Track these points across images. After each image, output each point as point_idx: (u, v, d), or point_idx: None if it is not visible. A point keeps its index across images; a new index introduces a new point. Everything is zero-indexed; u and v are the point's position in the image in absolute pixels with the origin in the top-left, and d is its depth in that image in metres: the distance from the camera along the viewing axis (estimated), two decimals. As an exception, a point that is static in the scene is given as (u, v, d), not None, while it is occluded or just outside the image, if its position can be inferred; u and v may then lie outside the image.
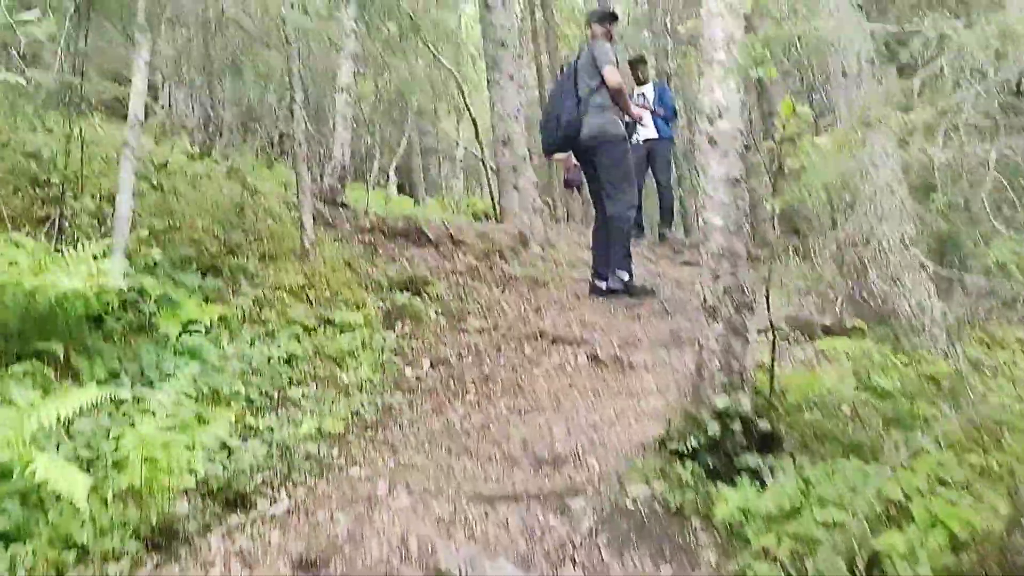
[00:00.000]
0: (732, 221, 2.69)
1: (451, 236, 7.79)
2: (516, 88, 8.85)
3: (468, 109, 8.31)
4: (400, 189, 23.49)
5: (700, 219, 2.80)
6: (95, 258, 3.91)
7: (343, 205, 9.62)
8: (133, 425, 2.95)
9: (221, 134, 9.97)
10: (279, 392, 3.96)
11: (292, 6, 5.43)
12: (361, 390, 4.21)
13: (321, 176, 10.27)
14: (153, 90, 13.83)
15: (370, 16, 7.10)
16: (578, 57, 6.23)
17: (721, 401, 2.68)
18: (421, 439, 3.66)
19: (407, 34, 7.47)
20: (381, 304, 5.35)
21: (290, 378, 4.13)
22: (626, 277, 6.13)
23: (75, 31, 4.19)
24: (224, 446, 3.26)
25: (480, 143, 8.51)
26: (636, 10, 19.02)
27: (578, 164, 6.67)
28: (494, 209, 8.55)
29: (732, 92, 2.68)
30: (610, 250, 6.17)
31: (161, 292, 4.36)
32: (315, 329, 4.72)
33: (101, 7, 4.25)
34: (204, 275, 5.02)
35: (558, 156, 6.80)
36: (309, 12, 5.55)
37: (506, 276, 6.77)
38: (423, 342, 4.95)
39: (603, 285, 6.15)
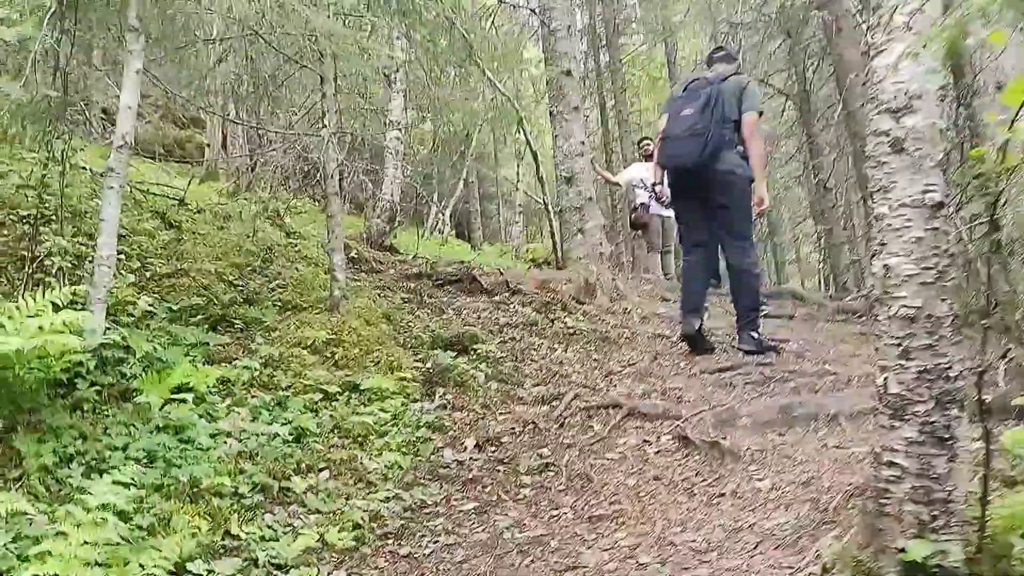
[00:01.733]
0: (931, 267, 1.74)
1: (507, 284, 6.92)
2: (581, 122, 8.02)
3: (529, 143, 7.46)
4: (458, 235, 22.89)
5: (871, 265, 1.83)
6: (59, 308, 3.12)
7: (390, 249, 8.86)
8: (38, 543, 2.08)
9: (258, 171, 9.33)
10: (279, 483, 3.07)
11: (328, 16, 4.68)
12: (386, 479, 3.30)
13: (367, 217, 9.55)
14: (199, 124, 13.46)
15: (422, 37, 6.33)
16: (704, 82, 5.33)
17: (917, 549, 1.70)
18: (458, 559, 2.72)
19: (461, 59, 6.68)
20: (420, 365, 4.47)
21: (296, 463, 3.24)
22: (756, 336, 5.24)
23: (56, 34, 3.47)
24: None
25: (541, 181, 7.63)
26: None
27: (666, 199, 5.79)
28: (556, 255, 7.65)
29: (928, 72, 1.75)
30: (738, 306, 5.38)
31: (148, 350, 3.55)
32: (336, 397, 3.85)
33: (87, 5, 3.52)
34: (211, 328, 4.22)
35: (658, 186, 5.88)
36: (346, 22, 4.81)
37: (570, 331, 5.84)
38: (468, 414, 4.03)
39: (695, 324, 5.35)
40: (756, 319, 5.30)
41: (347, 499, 3.07)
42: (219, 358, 3.92)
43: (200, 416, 3.35)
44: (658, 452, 3.66)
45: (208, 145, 11.23)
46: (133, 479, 2.55)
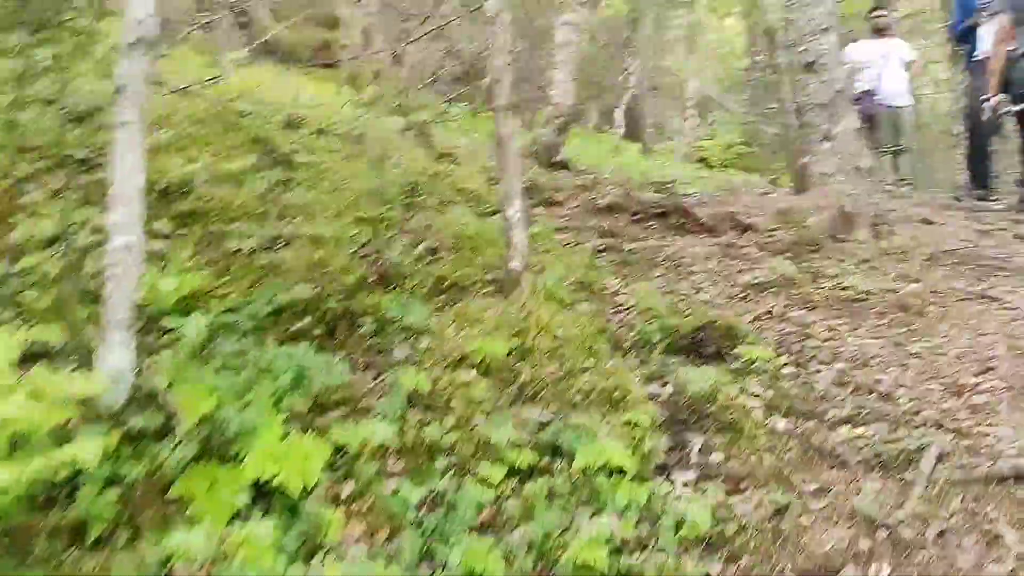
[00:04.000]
0: None
1: (734, 217, 5.03)
2: (827, -15, 5.83)
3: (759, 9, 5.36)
4: (627, 135, 20.77)
5: None
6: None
7: (564, 166, 7.11)
8: None
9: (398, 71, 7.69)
10: None
11: None
12: None
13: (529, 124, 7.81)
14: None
15: None
16: None
17: None
18: None
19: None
20: (654, 389, 2.75)
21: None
22: None
23: None
24: None
25: (775, 70, 5.55)
26: None
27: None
28: (795, 172, 5.64)
29: None
30: None
31: (208, 410, 2.01)
32: (531, 476, 2.21)
33: None
34: (325, 339, 2.65)
35: None
36: None
37: (848, 295, 3.94)
38: (755, 499, 2.30)
39: None
40: None
41: None
42: (333, 401, 2.35)
43: (287, 553, 1.80)
44: None
45: (345, 46, 9.68)
46: None
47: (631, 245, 4.56)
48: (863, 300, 3.90)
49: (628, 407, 2.54)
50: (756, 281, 4.07)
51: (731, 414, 2.60)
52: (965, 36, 7.27)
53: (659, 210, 5.17)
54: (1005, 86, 5.70)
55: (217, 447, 1.99)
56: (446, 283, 3.13)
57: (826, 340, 3.40)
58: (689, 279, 4.14)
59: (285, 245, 2.93)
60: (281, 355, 2.40)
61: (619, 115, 13.80)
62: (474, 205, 4.37)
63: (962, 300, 4.07)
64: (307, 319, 2.64)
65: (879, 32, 9.11)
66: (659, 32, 18.83)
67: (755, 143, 19.52)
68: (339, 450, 2.15)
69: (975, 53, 6.81)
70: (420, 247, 3.31)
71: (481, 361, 2.60)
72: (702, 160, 18.24)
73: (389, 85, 8.12)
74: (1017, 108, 4.79)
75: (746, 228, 4.94)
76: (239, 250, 2.79)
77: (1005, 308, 3.91)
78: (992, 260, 5.16)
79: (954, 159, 14.07)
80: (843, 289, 4.01)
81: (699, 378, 2.68)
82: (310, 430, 2.16)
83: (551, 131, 7.18)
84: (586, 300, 3.43)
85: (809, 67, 5.56)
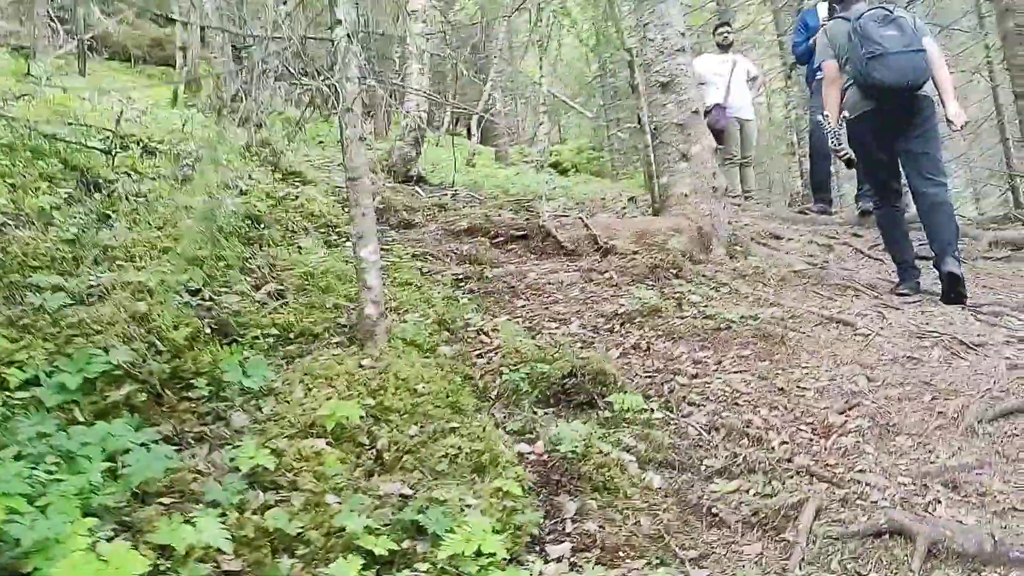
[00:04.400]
0: None
1: (595, 240, 4.94)
2: (679, 5, 5.86)
3: (617, 29, 5.25)
4: (481, 140, 20.62)
5: None
6: None
7: (419, 180, 6.85)
8: None
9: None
10: None
11: None
12: None
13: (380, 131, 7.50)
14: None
15: None
16: (883, 11, 4.91)
17: None
18: None
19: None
20: (524, 448, 2.55)
21: None
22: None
23: None
24: None
25: (635, 90, 5.48)
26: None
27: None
28: (652, 192, 5.62)
29: None
30: (943, 234, 4.85)
31: (-6, 524, 1.64)
32: (390, 562, 1.95)
33: None
34: (144, 414, 2.29)
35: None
36: None
37: (711, 324, 3.90)
38: (634, 571, 2.13)
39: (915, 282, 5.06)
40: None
41: None
42: (155, 490, 2.01)
43: None
44: None
45: (182, 47, 9.02)
46: None
47: (493, 271, 4.37)
48: (726, 329, 3.86)
49: (497, 472, 2.33)
50: (621, 311, 3.97)
51: (605, 472, 2.44)
52: (806, 55, 7.52)
53: (520, 232, 5.01)
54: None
55: (3, 568, 1.63)
56: (293, 332, 2.83)
57: (694, 377, 3.32)
58: (553, 309, 3.98)
59: (101, 297, 2.53)
60: (93, 435, 2.04)
61: (474, 122, 13.62)
62: (325, 233, 4.05)
63: (818, 325, 4.12)
64: (127, 387, 2.28)
65: (724, 47, 9.36)
66: (512, 37, 18.85)
67: (606, 148, 19.94)
68: (163, 551, 1.83)
69: (818, 73, 7.04)
70: (263, 291, 2.98)
71: (333, 427, 2.32)
72: (555, 165, 18.34)
73: (230, 91, 7.61)
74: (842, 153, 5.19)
75: (607, 251, 4.85)
76: (42, 307, 2.38)
77: (858, 333, 3.98)
78: (841, 278, 5.32)
79: (791, 170, 14.81)
80: (706, 318, 3.97)
81: (571, 435, 2.50)
82: (126, 532, 1.83)
83: (406, 143, 6.90)
84: (448, 342, 3.20)
85: (665, 87, 5.55)
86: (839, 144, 5.09)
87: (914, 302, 4.80)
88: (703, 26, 14.53)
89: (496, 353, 3.13)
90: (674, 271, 4.70)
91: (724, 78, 9.07)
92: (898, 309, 4.62)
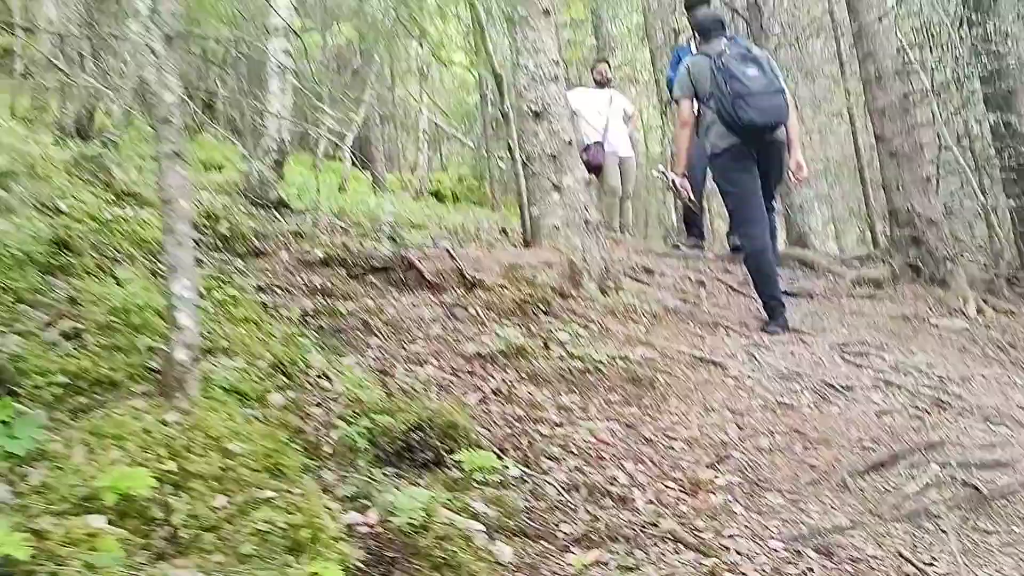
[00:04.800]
0: None
1: (462, 274, 4.65)
2: (554, 32, 5.70)
3: (487, 54, 5.02)
4: (354, 161, 20.05)
5: None
6: None
7: (279, 204, 6.41)
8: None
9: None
10: None
11: None
12: None
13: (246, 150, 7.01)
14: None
15: None
16: (745, 49, 5.14)
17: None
18: None
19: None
20: (354, 519, 2.20)
21: None
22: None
23: None
24: None
25: (506, 118, 5.24)
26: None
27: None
28: (523, 225, 5.39)
29: None
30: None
31: None
32: None
33: None
34: None
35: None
36: None
37: (577, 366, 3.66)
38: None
39: (783, 319, 5.08)
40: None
41: None
42: None
43: None
44: None
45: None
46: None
47: (347, 306, 4.01)
48: (594, 371, 3.64)
49: (317, 551, 1.97)
50: (484, 351, 3.68)
51: (448, 546, 2.12)
52: (680, 91, 7.51)
53: (381, 264, 4.67)
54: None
55: None
56: (87, 380, 2.39)
57: (557, 426, 3.05)
58: (410, 349, 3.65)
59: None
60: None
61: (348, 144, 13.14)
62: (152, 262, 3.60)
63: (689, 366, 3.96)
64: None
65: (601, 84, 9.36)
66: (391, 63, 18.52)
67: (486, 177, 19.80)
68: None
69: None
70: (55, 330, 2.53)
71: (117, 500, 1.91)
72: (435, 194, 18.06)
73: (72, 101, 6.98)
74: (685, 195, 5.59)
75: (474, 285, 4.57)
76: None
77: (728, 376, 3.83)
78: (712, 316, 5.22)
79: (667, 203, 15.04)
80: (574, 358, 3.73)
81: (409, 502, 2.17)
82: None
83: (265, 165, 6.46)
84: (283, 388, 2.82)
85: (538, 115, 5.36)
86: (680, 187, 5.41)
87: (783, 341, 4.73)
88: (582, 60, 14.63)
89: (337, 401, 2.78)
90: (543, 307, 4.47)
91: (603, 115, 9.06)
92: (768, 348, 4.53)
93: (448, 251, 4.76)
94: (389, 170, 20.17)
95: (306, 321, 3.74)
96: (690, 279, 6.61)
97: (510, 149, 5.16)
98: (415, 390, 2.98)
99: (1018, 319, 6.40)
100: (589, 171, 9.37)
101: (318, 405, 2.77)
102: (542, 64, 5.39)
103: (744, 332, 4.93)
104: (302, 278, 4.32)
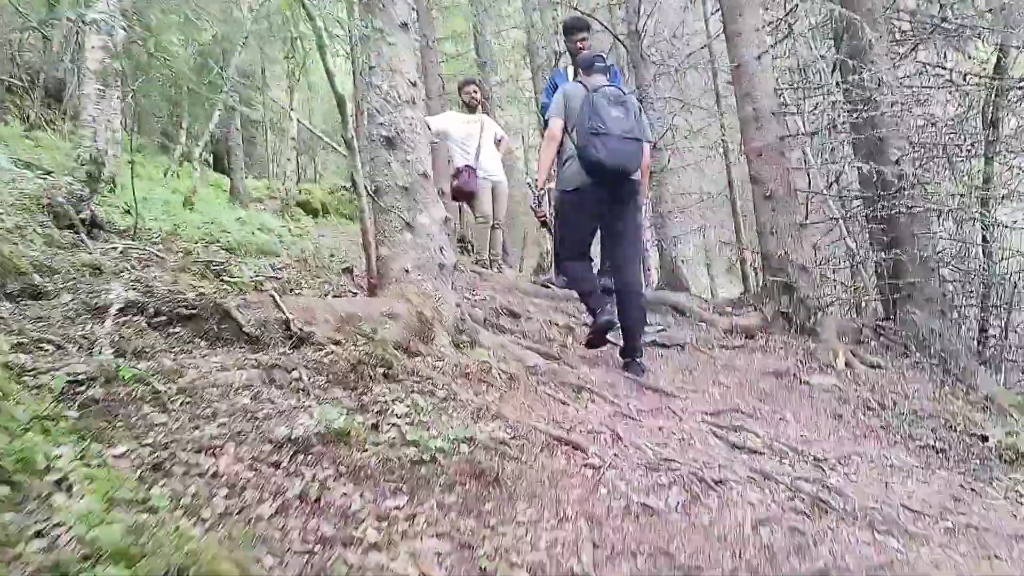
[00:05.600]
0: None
1: (287, 325, 3.98)
2: (412, 49, 5.10)
3: (328, 72, 4.36)
4: (216, 164, 18.79)
5: None
6: None
7: (93, 226, 5.53)
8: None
9: None
10: None
11: None
12: None
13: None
14: None
15: None
16: (618, 90, 5.14)
17: None
18: None
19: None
20: None
21: None
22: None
23: None
24: None
25: (349, 146, 4.55)
26: None
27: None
28: (368, 268, 4.73)
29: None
30: (631, 316, 5.27)
31: None
32: None
33: None
34: None
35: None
36: None
37: (410, 457, 3.06)
38: None
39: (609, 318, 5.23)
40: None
41: None
42: None
43: None
44: None
45: None
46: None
47: (135, 369, 3.26)
48: (430, 462, 3.04)
49: None
50: (297, 434, 3.02)
51: None
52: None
53: (191, 310, 3.93)
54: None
55: None
56: None
57: (372, 548, 2.43)
58: (204, 431, 2.95)
59: None
60: None
61: (200, 149, 12.08)
62: None
63: (544, 449, 3.42)
64: None
65: (471, 108, 8.86)
66: (260, 64, 17.45)
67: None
68: None
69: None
70: None
71: None
72: (304, 205, 17.03)
73: None
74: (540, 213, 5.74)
75: (301, 340, 3.90)
76: None
77: (587, 465, 3.32)
78: (575, 375, 4.73)
79: (540, 233, 14.67)
80: (408, 444, 3.13)
81: None
82: None
83: (79, 177, 5.56)
84: (-5, 510, 2.08)
85: (390, 142, 4.74)
86: (539, 204, 5.38)
87: (651, 410, 4.29)
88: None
89: (64, 535, 2.07)
90: (383, 369, 3.85)
91: (474, 139, 8.57)
92: (634, 421, 4.06)
93: (273, 297, 4.06)
94: (259, 178, 19.04)
95: (73, 392, 2.97)
96: (557, 325, 6.14)
97: (353, 182, 4.51)
98: (184, 508, 2.30)
99: (885, 375, 6.24)
100: (460, 197, 8.85)
101: (38, 535, 2.05)
102: (398, 85, 4.79)
103: (610, 396, 4.46)
104: (86, 329, 3.54)
